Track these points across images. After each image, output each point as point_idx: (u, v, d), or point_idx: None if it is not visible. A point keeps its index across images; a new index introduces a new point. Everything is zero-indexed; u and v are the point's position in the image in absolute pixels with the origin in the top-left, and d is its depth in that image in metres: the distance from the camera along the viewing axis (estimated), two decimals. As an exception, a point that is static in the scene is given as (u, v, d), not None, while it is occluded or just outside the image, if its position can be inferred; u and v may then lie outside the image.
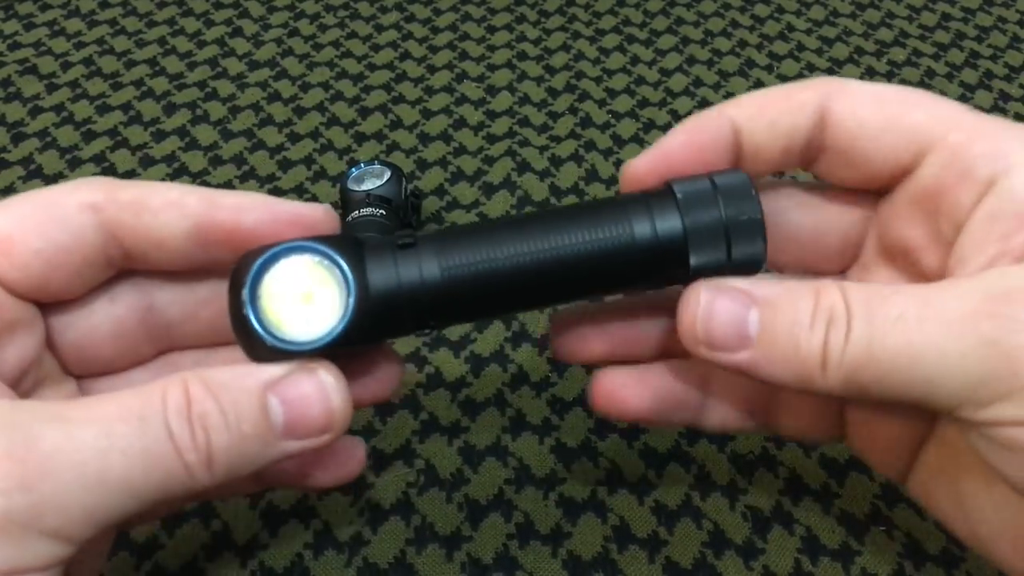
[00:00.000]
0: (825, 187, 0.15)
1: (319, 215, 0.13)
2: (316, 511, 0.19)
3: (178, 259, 0.13)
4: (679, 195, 0.13)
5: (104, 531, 0.11)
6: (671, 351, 0.15)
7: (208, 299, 0.14)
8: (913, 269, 0.14)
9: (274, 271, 0.12)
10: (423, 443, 0.20)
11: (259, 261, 0.12)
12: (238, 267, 0.13)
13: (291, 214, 0.13)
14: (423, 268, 0.12)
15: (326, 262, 0.12)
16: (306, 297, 0.12)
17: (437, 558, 0.18)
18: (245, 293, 0.12)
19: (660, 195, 0.13)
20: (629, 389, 0.15)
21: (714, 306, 0.12)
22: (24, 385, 0.13)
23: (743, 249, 0.13)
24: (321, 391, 0.12)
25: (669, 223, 0.13)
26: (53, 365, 0.14)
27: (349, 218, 0.23)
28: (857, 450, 0.16)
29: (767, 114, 0.14)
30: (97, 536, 0.11)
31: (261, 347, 0.12)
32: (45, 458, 0.10)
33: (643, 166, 0.14)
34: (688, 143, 0.14)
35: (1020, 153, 0.12)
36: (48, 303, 0.13)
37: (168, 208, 0.13)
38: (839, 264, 0.15)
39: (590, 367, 0.21)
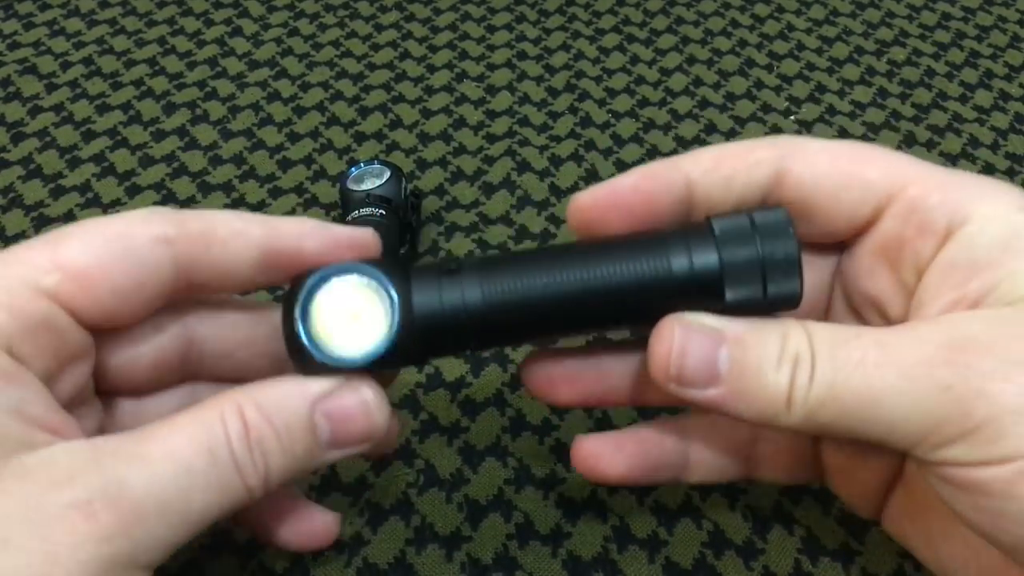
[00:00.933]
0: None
1: (369, 238, 0.14)
2: (316, 511, 0.19)
3: (239, 286, 0.14)
4: (717, 231, 0.13)
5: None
6: (642, 394, 0.16)
7: (248, 341, 0.15)
8: (881, 320, 0.14)
9: (325, 291, 0.13)
10: (423, 443, 0.20)
11: (311, 281, 0.13)
12: (292, 287, 0.13)
13: (347, 238, 0.14)
14: (465, 292, 0.13)
15: (374, 284, 0.13)
16: (354, 316, 0.13)
17: (437, 558, 0.18)
18: (297, 311, 0.13)
19: (699, 230, 0.13)
20: (607, 457, 0.15)
21: (686, 344, 0.13)
22: (75, 413, 0.13)
23: (779, 287, 0.13)
24: (364, 406, 0.13)
25: (706, 258, 0.13)
26: (90, 387, 0.14)
27: (349, 218, 0.23)
28: (835, 491, 0.16)
29: (722, 170, 0.14)
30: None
31: (310, 362, 0.13)
32: (137, 504, 0.11)
33: (589, 201, 0.14)
34: (638, 188, 0.14)
35: (975, 204, 0.12)
36: (106, 331, 0.13)
37: (235, 238, 0.13)
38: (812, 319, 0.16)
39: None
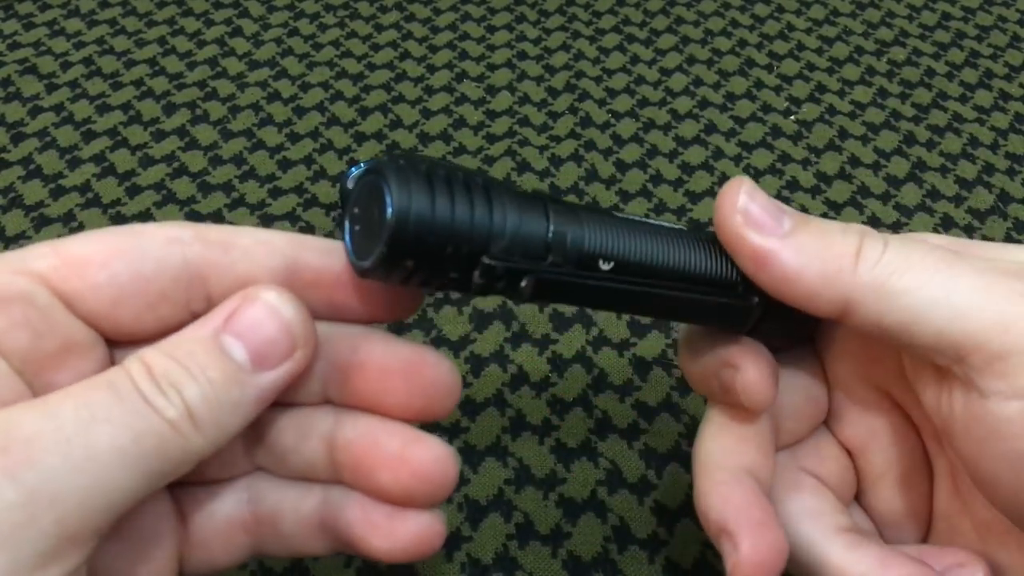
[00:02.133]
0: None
1: None
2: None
3: None
4: None
5: (115, 520, 0.10)
6: None
7: None
8: (887, 393, 0.14)
9: (360, 189, 0.12)
10: (423, 443, 0.20)
11: (355, 176, 0.12)
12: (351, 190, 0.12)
13: None
14: (570, 227, 0.12)
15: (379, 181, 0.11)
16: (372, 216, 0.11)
17: (437, 558, 0.18)
18: (347, 214, 0.12)
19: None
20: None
21: (755, 194, 0.13)
22: None
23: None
24: (270, 311, 0.11)
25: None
26: None
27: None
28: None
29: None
30: (108, 525, 0.10)
31: (355, 266, 0.12)
32: (27, 443, 0.09)
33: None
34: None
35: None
36: (114, 337, 0.12)
37: (258, 246, 0.12)
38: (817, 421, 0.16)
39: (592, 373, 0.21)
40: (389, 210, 0.11)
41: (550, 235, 0.12)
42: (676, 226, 0.13)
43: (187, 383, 0.11)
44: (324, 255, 0.13)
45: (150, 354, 0.11)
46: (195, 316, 0.12)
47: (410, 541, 0.13)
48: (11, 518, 0.09)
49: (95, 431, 0.10)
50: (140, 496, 0.10)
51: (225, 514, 0.13)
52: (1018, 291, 0.11)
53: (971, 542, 0.14)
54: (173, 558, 0.13)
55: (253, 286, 0.12)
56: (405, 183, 0.11)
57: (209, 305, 0.12)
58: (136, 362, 0.11)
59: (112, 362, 0.12)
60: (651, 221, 0.13)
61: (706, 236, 0.14)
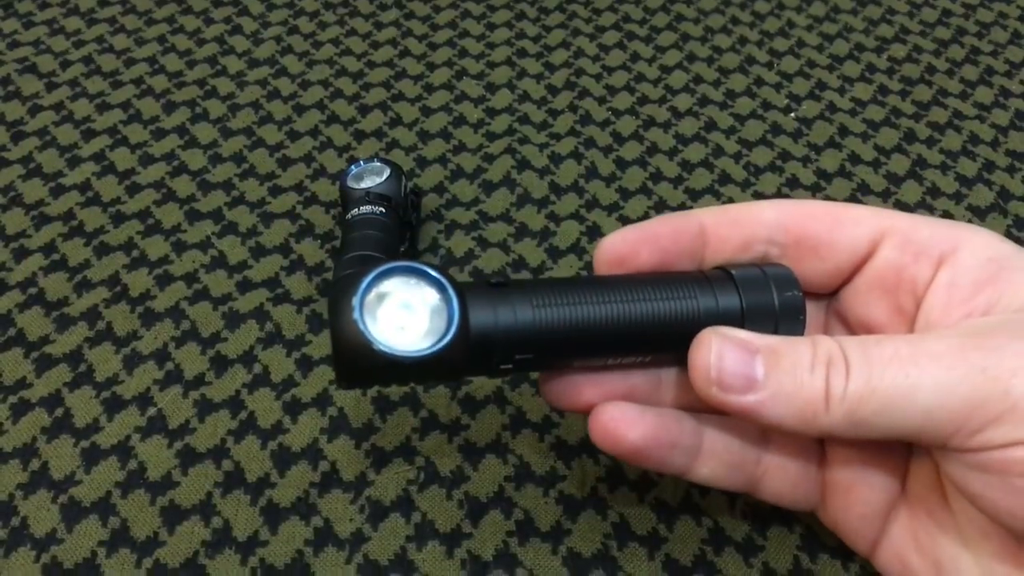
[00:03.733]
0: None
1: None
2: (317, 508, 0.19)
3: None
4: (737, 278, 0.15)
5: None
6: (662, 397, 0.16)
7: None
8: None
9: (382, 286, 0.13)
10: (423, 440, 0.20)
11: (370, 275, 0.13)
12: (345, 280, 0.13)
13: None
14: (517, 308, 0.14)
15: (430, 286, 0.13)
16: (410, 313, 0.13)
17: (437, 555, 0.18)
18: (355, 300, 0.13)
19: (719, 276, 0.15)
20: (627, 422, 0.15)
21: (723, 351, 0.13)
22: None
23: (787, 328, 0.15)
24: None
25: (729, 300, 0.15)
26: None
27: (348, 216, 0.23)
28: (830, 523, 0.17)
29: (729, 213, 0.16)
30: None
31: (364, 351, 0.13)
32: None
33: (619, 240, 0.15)
34: (663, 229, 0.15)
35: (963, 233, 0.14)
36: None
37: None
38: None
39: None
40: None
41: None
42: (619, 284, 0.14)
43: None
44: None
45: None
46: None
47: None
48: None
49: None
50: None
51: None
52: (979, 368, 0.12)
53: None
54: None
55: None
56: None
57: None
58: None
59: None
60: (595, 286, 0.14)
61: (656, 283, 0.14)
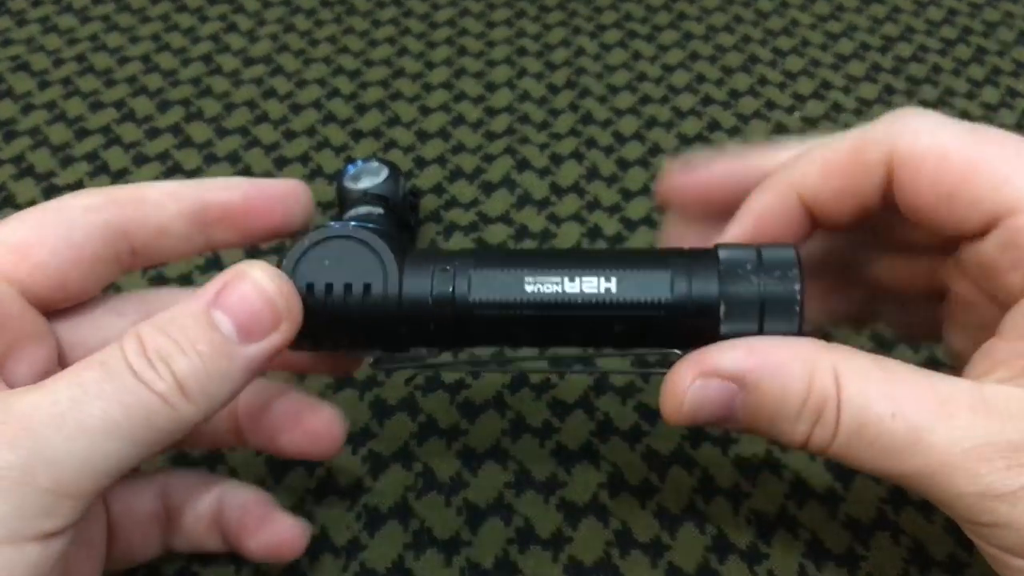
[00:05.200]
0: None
1: (295, 185, 0.15)
2: (313, 515, 0.18)
3: (181, 244, 0.15)
4: (721, 262, 0.13)
5: (109, 481, 0.11)
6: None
7: None
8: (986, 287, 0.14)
9: (318, 249, 0.13)
10: (421, 446, 0.20)
11: (308, 239, 0.13)
12: (289, 251, 0.13)
13: (272, 188, 0.15)
14: (456, 282, 0.13)
15: (366, 249, 0.13)
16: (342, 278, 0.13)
17: (436, 563, 0.18)
18: (287, 264, 0.13)
19: (704, 257, 0.13)
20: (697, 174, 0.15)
21: (702, 395, 0.12)
22: None
23: (775, 325, 0.13)
24: (256, 287, 0.12)
25: (706, 288, 0.13)
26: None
27: (346, 216, 0.23)
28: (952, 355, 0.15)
29: (832, 183, 0.13)
30: (103, 486, 0.11)
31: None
32: (23, 417, 0.11)
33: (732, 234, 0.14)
34: (759, 221, 0.14)
35: None
36: (61, 308, 0.14)
37: (165, 197, 0.14)
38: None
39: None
40: None
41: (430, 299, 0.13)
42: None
43: (177, 356, 0.12)
44: (226, 190, 0.14)
45: (145, 329, 0.12)
46: (124, 268, 0.14)
47: (274, 544, 0.15)
48: (11, 475, 0.10)
49: (87, 406, 0.11)
50: (134, 461, 0.12)
51: (144, 507, 0.15)
52: (961, 426, 0.11)
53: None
54: (103, 550, 0.14)
55: (243, 263, 0.13)
56: None
57: (134, 256, 0.14)
58: (130, 338, 0.12)
59: (60, 349, 0.14)
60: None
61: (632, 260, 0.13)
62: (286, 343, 0.13)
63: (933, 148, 0.13)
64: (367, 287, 0.13)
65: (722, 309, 0.13)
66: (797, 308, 0.13)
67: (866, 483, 0.19)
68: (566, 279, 0.13)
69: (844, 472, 0.19)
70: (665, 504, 0.19)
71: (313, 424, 0.16)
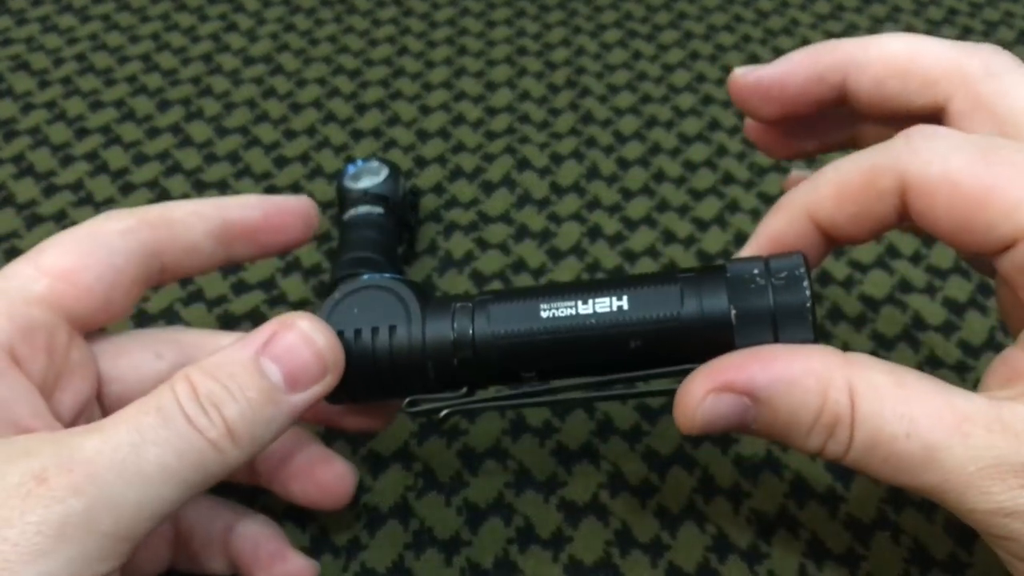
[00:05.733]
0: None
1: (307, 203, 0.16)
2: (313, 515, 0.18)
3: (205, 261, 0.16)
4: (729, 277, 0.13)
5: (159, 523, 0.12)
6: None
7: None
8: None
9: (349, 301, 0.14)
10: (421, 446, 0.20)
11: (337, 295, 0.14)
12: (324, 302, 0.14)
13: (288, 204, 0.16)
14: (476, 325, 0.14)
15: (394, 297, 0.14)
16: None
17: (436, 563, 0.18)
18: (324, 311, 0.14)
19: (712, 275, 0.13)
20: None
21: (714, 410, 0.12)
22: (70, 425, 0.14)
23: (789, 334, 0.13)
24: (304, 337, 0.13)
25: (717, 304, 0.13)
26: (99, 417, 0.14)
27: (345, 217, 0.23)
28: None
29: (847, 209, 0.13)
30: (153, 529, 0.12)
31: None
32: (88, 463, 0.11)
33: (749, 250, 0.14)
34: (774, 244, 0.14)
35: None
36: (101, 326, 0.15)
37: (191, 217, 0.15)
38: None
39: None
40: None
41: (456, 362, 0.14)
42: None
43: (228, 402, 0.12)
44: (247, 209, 0.16)
45: (195, 375, 0.12)
46: (153, 284, 0.15)
47: None
48: (76, 521, 0.11)
49: (145, 452, 0.12)
50: (182, 502, 0.12)
51: (158, 529, 0.15)
52: (984, 427, 0.11)
53: None
54: (118, 568, 0.14)
55: (289, 314, 0.13)
56: None
57: (163, 273, 0.15)
58: (182, 382, 0.12)
59: (97, 366, 0.14)
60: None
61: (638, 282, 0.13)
62: (328, 392, 0.13)
63: (945, 177, 0.12)
64: (392, 329, 0.14)
65: (734, 321, 0.13)
66: (809, 317, 0.12)
67: (866, 483, 0.19)
68: (579, 302, 0.13)
69: (844, 472, 0.19)
70: (665, 504, 0.19)
71: (326, 477, 0.16)
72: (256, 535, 0.16)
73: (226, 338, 0.16)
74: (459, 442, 0.20)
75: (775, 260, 0.13)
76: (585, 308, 0.13)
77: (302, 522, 0.18)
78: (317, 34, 0.32)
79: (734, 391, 0.12)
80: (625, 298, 0.13)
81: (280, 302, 0.23)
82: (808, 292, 0.13)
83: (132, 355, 0.15)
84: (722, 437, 0.20)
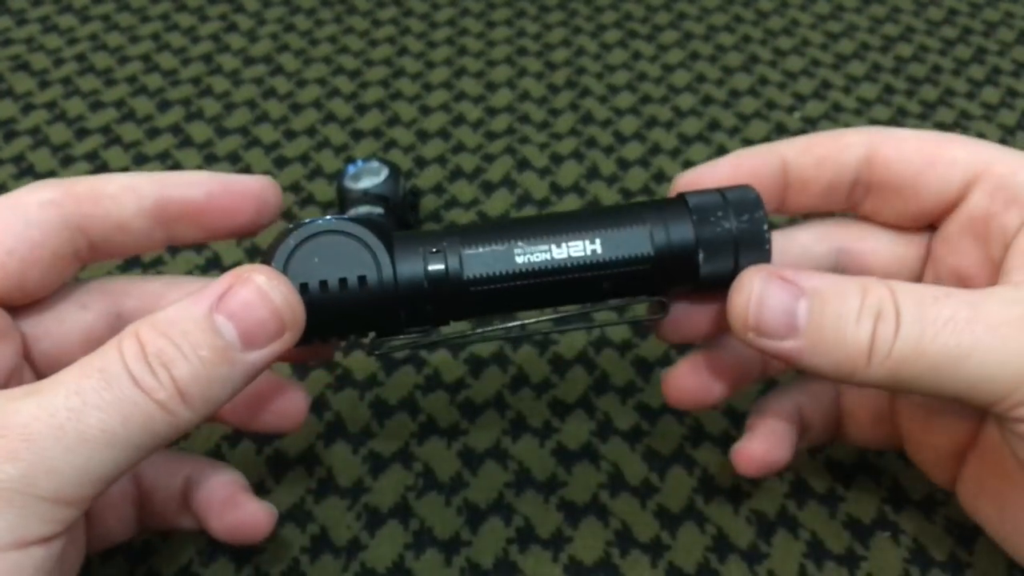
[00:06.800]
0: (886, 227, 0.16)
1: (264, 183, 0.15)
2: (313, 515, 0.18)
3: (141, 240, 0.14)
4: (692, 207, 0.14)
5: (106, 487, 0.11)
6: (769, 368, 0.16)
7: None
8: None
9: (307, 247, 0.13)
10: (421, 446, 0.20)
11: (292, 237, 0.13)
12: (272, 242, 0.13)
13: (241, 184, 0.14)
14: (448, 261, 0.13)
15: (355, 242, 0.13)
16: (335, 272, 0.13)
17: (436, 563, 0.18)
18: (277, 263, 0.13)
19: (674, 206, 0.14)
20: (772, 457, 0.16)
21: (765, 294, 0.13)
22: None
23: (749, 258, 0.14)
24: (260, 294, 0.12)
25: (682, 232, 0.14)
26: (31, 378, 0.14)
27: (346, 217, 0.23)
28: (913, 459, 0.17)
29: (815, 151, 0.15)
30: (101, 492, 0.11)
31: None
32: (23, 427, 0.11)
33: (693, 179, 0.15)
34: (739, 166, 0.15)
35: None
36: (21, 304, 0.14)
37: (124, 192, 0.14)
38: None
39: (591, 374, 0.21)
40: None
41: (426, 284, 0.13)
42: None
43: (179, 361, 0.11)
44: (187, 187, 0.14)
45: (145, 331, 0.12)
46: (83, 262, 0.14)
47: (238, 526, 0.15)
48: (13, 487, 0.11)
49: (86, 416, 0.11)
50: (130, 465, 0.12)
51: (117, 489, 0.15)
52: None
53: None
54: (83, 536, 0.14)
55: (246, 267, 0.12)
56: None
57: (93, 250, 0.14)
58: (129, 340, 0.12)
59: (24, 343, 0.14)
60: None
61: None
62: (286, 350, 0.13)
63: (911, 133, 0.15)
64: (362, 279, 0.13)
65: (700, 255, 0.14)
66: (767, 245, 0.14)
67: (866, 483, 0.19)
68: (553, 246, 0.13)
69: (844, 472, 0.19)
70: (665, 504, 0.19)
71: (281, 405, 0.16)
72: (211, 483, 0.15)
73: (155, 282, 0.15)
74: (459, 442, 0.20)
75: (731, 192, 0.14)
76: (559, 252, 0.13)
77: (302, 522, 0.18)
78: (317, 34, 0.32)
79: (787, 280, 0.13)
80: (598, 241, 0.13)
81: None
82: (766, 225, 0.14)
83: (56, 309, 0.14)
84: (722, 437, 0.20)
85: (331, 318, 0.13)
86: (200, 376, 0.12)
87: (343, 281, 0.13)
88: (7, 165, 0.27)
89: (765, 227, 0.14)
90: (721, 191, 0.14)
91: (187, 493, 0.15)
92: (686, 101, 0.29)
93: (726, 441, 0.20)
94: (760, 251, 0.14)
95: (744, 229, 0.13)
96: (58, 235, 0.13)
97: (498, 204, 0.26)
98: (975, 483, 0.15)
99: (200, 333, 0.12)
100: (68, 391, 0.11)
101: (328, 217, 0.13)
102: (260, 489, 0.19)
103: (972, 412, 0.15)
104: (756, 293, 0.13)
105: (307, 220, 0.13)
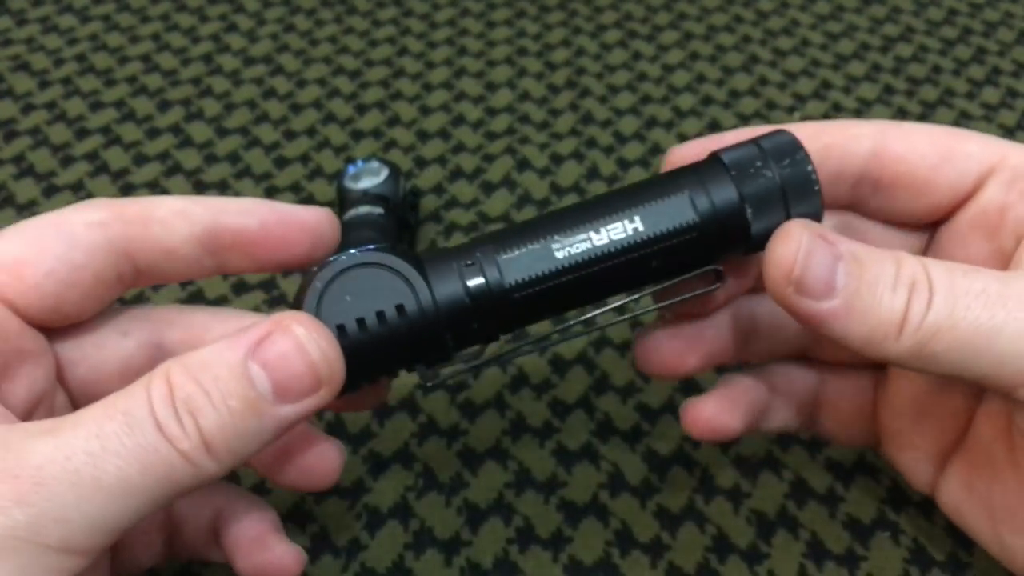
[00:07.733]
0: (884, 224, 0.15)
1: (321, 216, 0.14)
2: (313, 515, 0.18)
3: (190, 268, 0.14)
4: (728, 163, 0.13)
5: (118, 537, 0.11)
6: (747, 348, 0.16)
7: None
8: None
9: (341, 281, 0.12)
10: (421, 446, 0.20)
11: (326, 271, 0.12)
12: (305, 277, 0.13)
13: (296, 215, 0.14)
14: (488, 275, 0.13)
15: (389, 273, 0.12)
16: (373, 306, 0.13)
17: (436, 563, 0.18)
18: (311, 300, 0.12)
19: (709, 166, 0.13)
20: (726, 416, 0.15)
21: (812, 250, 0.12)
22: (35, 419, 0.12)
23: (801, 208, 0.13)
24: (298, 346, 0.11)
25: (725, 193, 0.13)
26: (65, 402, 0.13)
27: (346, 216, 0.23)
28: (891, 460, 0.16)
29: (822, 138, 0.14)
30: (111, 542, 0.11)
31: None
32: (37, 470, 0.10)
33: (688, 152, 0.14)
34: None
35: None
36: (59, 327, 0.13)
37: (175, 217, 0.13)
38: None
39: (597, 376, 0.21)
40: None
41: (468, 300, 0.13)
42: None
43: (206, 410, 0.11)
44: (242, 215, 0.13)
45: (176, 374, 0.11)
46: (126, 286, 0.13)
47: (265, 568, 0.14)
48: (19, 535, 0.10)
49: (103, 463, 0.10)
50: (148, 514, 0.11)
51: (149, 517, 0.14)
52: None
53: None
54: (107, 563, 0.13)
55: (286, 315, 0.12)
56: None
57: (138, 275, 0.13)
58: (159, 381, 0.11)
59: (59, 367, 0.13)
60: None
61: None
62: (322, 407, 0.12)
63: (921, 126, 0.14)
64: (399, 308, 0.12)
65: (748, 211, 0.13)
66: (816, 187, 0.13)
67: (866, 483, 0.19)
68: (592, 233, 0.12)
69: (844, 472, 0.19)
70: (665, 504, 0.19)
71: (309, 459, 0.15)
72: (242, 519, 0.15)
73: (201, 314, 0.14)
74: (459, 442, 0.20)
75: (766, 140, 0.13)
76: (599, 238, 0.12)
77: (302, 522, 0.18)
78: (317, 35, 0.32)
79: (827, 241, 0.12)
80: (638, 219, 0.12)
81: (281, 302, 0.23)
82: (810, 166, 0.13)
83: (96, 334, 0.13)
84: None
85: (375, 356, 0.12)
86: (227, 427, 0.11)
87: (380, 315, 0.12)
88: (7, 165, 0.27)
89: (810, 168, 0.13)
90: (755, 140, 0.13)
91: (217, 526, 0.15)
92: (686, 101, 0.29)
93: (727, 442, 0.20)
94: (811, 195, 0.13)
95: (789, 174, 0.12)
96: (103, 258, 0.13)
97: (498, 204, 0.26)
98: (962, 486, 0.15)
99: (233, 381, 0.11)
100: (88, 433, 0.10)
101: (351, 251, 0.13)
102: (260, 489, 0.19)
103: (962, 411, 0.15)
104: (804, 247, 0.12)
105: (330, 259, 0.13)
